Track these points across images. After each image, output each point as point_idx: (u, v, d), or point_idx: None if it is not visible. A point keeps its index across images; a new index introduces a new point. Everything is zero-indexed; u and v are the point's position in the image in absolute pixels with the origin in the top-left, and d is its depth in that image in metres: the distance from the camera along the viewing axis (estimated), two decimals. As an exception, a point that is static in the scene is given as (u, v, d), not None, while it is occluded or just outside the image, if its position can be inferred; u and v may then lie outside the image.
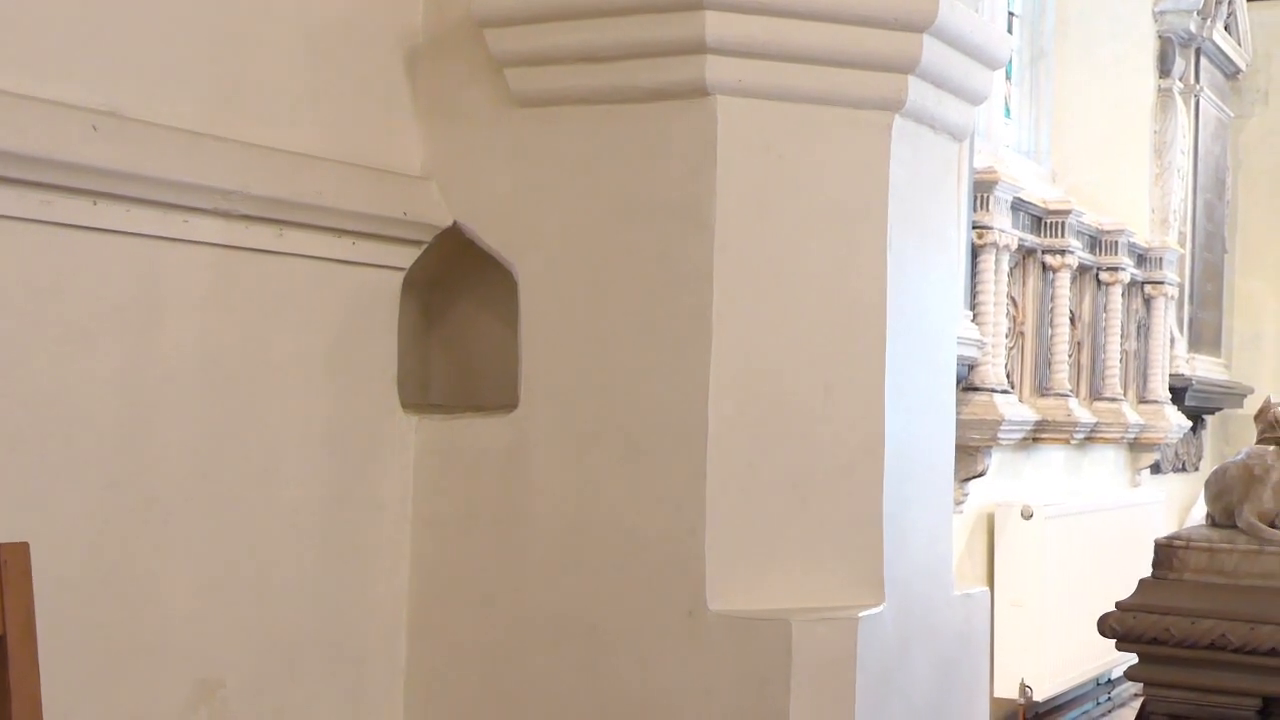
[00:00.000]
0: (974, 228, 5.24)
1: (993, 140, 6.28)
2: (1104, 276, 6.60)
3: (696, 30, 2.61)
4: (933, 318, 2.94)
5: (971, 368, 5.22)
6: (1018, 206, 5.66)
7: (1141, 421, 6.82)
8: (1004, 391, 5.37)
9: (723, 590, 2.64)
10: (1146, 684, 3.56)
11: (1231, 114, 8.43)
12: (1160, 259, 7.09)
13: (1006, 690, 5.60)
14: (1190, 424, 7.53)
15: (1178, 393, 7.42)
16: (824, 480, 2.71)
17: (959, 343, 3.88)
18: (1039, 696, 5.70)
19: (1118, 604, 3.57)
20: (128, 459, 2.40)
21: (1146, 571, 3.64)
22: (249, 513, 2.60)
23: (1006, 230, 5.45)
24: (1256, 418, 3.83)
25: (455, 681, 2.87)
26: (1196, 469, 8.13)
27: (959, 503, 5.21)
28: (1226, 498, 3.67)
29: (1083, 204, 6.46)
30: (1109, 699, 6.67)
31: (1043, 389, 6.08)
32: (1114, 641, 3.57)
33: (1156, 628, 3.47)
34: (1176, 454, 7.85)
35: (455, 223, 2.92)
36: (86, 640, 2.34)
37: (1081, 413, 6.17)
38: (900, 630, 2.76)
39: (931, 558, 2.94)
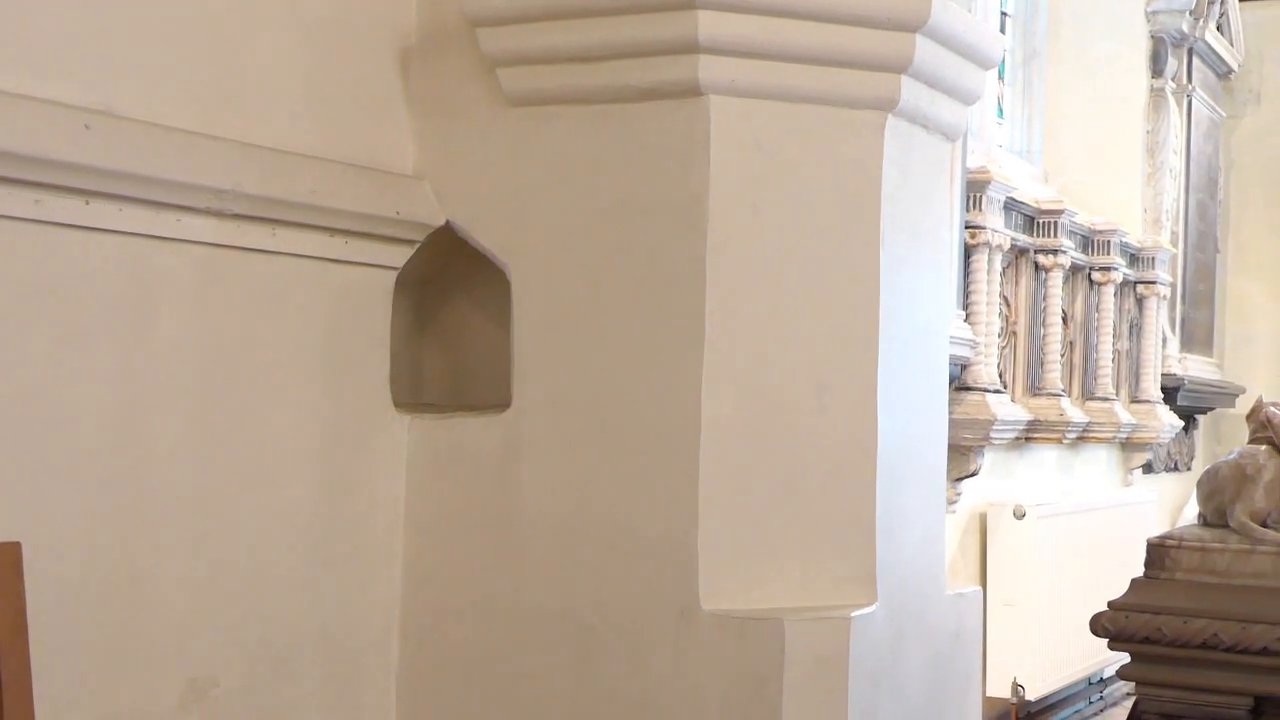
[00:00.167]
0: (967, 227, 5.25)
1: (985, 140, 6.29)
2: (1096, 276, 6.61)
3: (689, 30, 2.61)
4: (925, 317, 2.95)
5: (964, 367, 5.23)
6: (1010, 206, 5.67)
7: (1134, 421, 6.83)
8: (996, 391, 5.38)
9: (716, 590, 2.64)
10: (1139, 683, 3.57)
11: (1224, 114, 8.45)
12: (1152, 259, 7.10)
13: (999, 689, 5.60)
14: (1182, 424, 7.55)
15: (1170, 392, 7.43)
16: (817, 480, 2.71)
17: (951, 342, 3.88)
18: (1031, 695, 5.71)
19: (1110, 603, 3.58)
20: (120, 458, 2.40)
21: (1139, 571, 3.65)
22: (241, 512, 2.60)
23: (999, 230, 5.46)
24: (1248, 417, 3.83)
25: (448, 681, 2.87)
26: (1189, 469, 8.14)
27: (951, 502, 5.22)
28: (1218, 497, 3.68)
29: (1075, 204, 6.47)
30: (1101, 698, 6.68)
31: (1035, 389, 6.09)
32: (1106, 641, 3.58)
33: (1149, 627, 3.47)
34: (1169, 454, 7.86)
35: (448, 222, 2.91)
36: (79, 639, 2.34)
37: (1074, 412, 6.18)
38: (893, 629, 2.77)
39: (924, 557, 2.94)
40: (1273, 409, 3.76)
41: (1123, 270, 6.75)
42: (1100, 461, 6.99)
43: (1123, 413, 6.73)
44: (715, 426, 2.66)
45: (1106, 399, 6.62)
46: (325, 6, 2.78)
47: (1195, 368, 7.84)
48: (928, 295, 2.95)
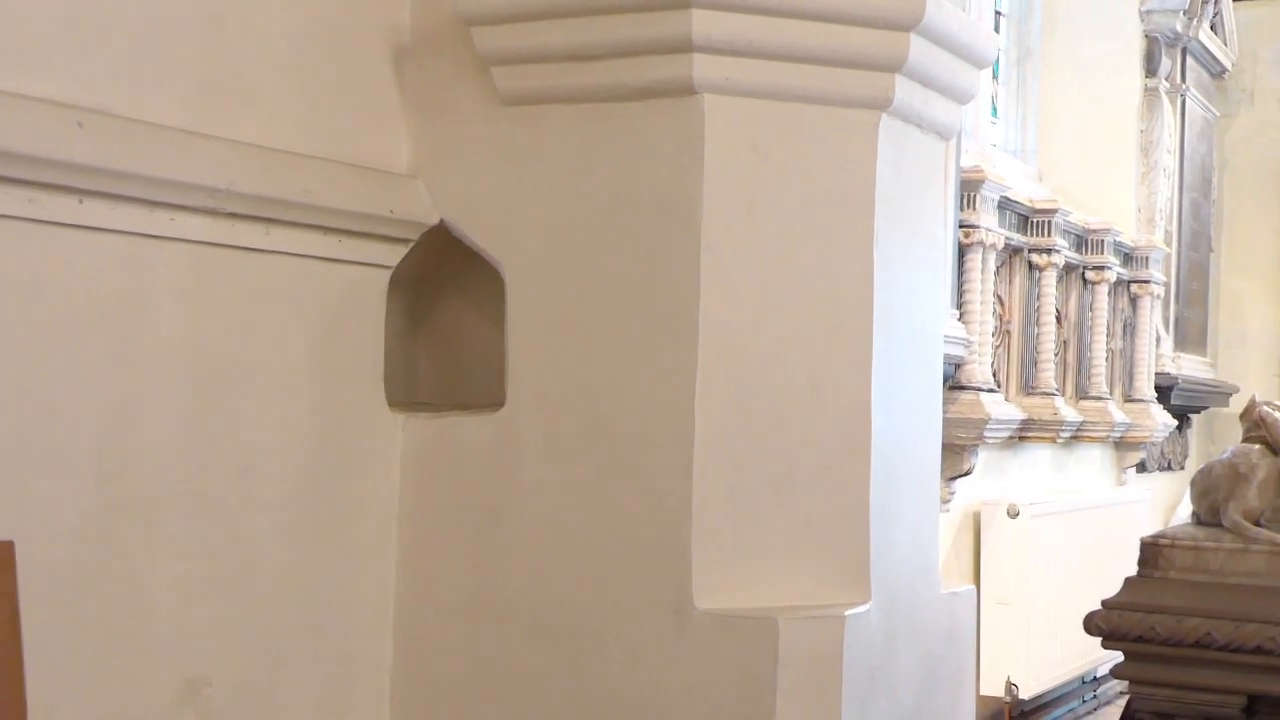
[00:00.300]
0: (960, 226, 5.25)
1: (979, 139, 6.30)
2: (1090, 275, 6.62)
3: (683, 29, 2.61)
4: (919, 316, 2.95)
5: (958, 366, 5.23)
6: (1004, 205, 5.67)
7: (1127, 420, 6.84)
8: (990, 390, 5.38)
9: (709, 588, 2.64)
10: (1132, 682, 3.57)
11: (1217, 113, 8.45)
12: (1146, 258, 7.10)
13: (993, 688, 5.61)
14: (1176, 423, 7.55)
15: (1163, 391, 7.44)
16: (810, 478, 2.71)
17: (945, 341, 3.89)
18: (1025, 694, 5.71)
19: (1104, 602, 3.58)
20: (113, 457, 2.39)
21: (1132, 570, 3.65)
22: (235, 511, 2.60)
23: (993, 229, 5.46)
24: (1242, 416, 3.83)
25: (441, 680, 2.87)
26: (1182, 468, 8.15)
27: (945, 501, 5.22)
28: (1212, 496, 3.68)
29: (1069, 203, 6.47)
30: (1095, 697, 6.68)
31: (1029, 388, 6.09)
32: (1100, 639, 3.57)
33: (1142, 626, 3.47)
34: (1162, 452, 7.86)
35: (442, 221, 2.91)
36: (72, 638, 2.34)
37: (1067, 411, 6.18)
38: (887, 628, 2.77)
39: (918, 556, 2.94)
40: (1266, 408, 3.76)
41: (1116, 269, 6.75)
42: (1094, 460, 6.99)
43: (1116, 412, 6.74)
44: (708, 424, 2.66)
45: (1100, 398, 6.62)
46: (320, 5, 2.78)
47: (1189, 367, 7.85)
48: (922, 294, 2.96)
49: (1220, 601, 3.43)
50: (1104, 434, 6.65)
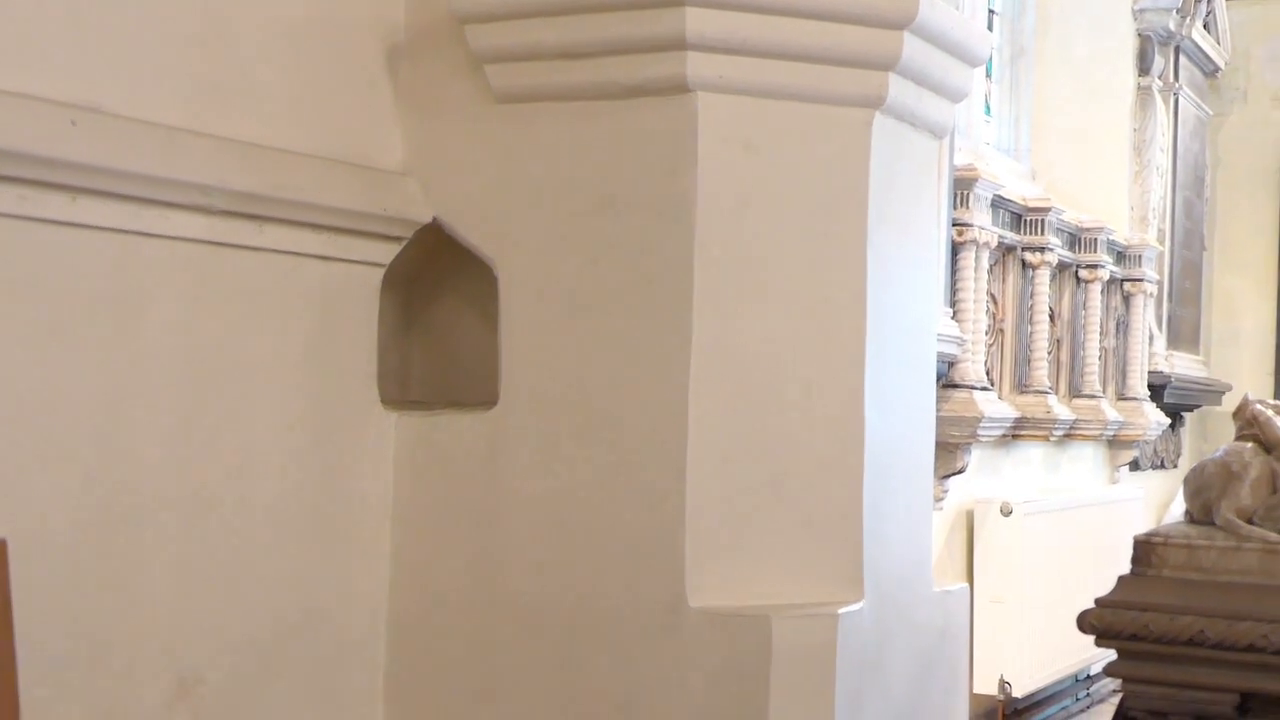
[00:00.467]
0: (954, 225, 5.26)
1: (973, 138, 6.30)
2: (1083, 274, 6.62)
3: (677, 26, 2.60)
4: (913, 314, 2.95)
5: (951, 365, 5.24)
6: (997, 204, 5.67)
7: (1120, 419, 6.84)
8: (983, 388, 5.39)
9: (702, 586, 2.64)
10: (1125, 680, 3.57)
11: (1210, 112, 8.46)
12: (1139, 256, 7.11)
13: (986, 686, 5.61)
14: (1169, 421, 7.56)
15: (1156, 390, 7.45)
16: (804, 477, 2.71)
17: (939, 340, 3.89)
18: (1018, 692, 5.72)
19: (1097, 600, 3.58)
20: (106, 455, 2.39)
21: (1125, 568, 3.65)
22: (228, 509, 2.59)
23: (986, 227, 5.47)
24: (1235, 415, 3.84)
25: (435, 678, 2.87)
26: (1175, 466, 8.16)
27: (938, 499, 5.22)
28: (1205, 494, 3.69)
29: (1062, 201, 6.48)
30: (1088, 695, 6.69)
31: (1022, 386, 6.09)
32: (1093, 638, 3.58)
33: (1135, 624, 3.48)
34: (1155, 451, 7.88)
35: (435, 218, 2.91)
36: (65, 637, 2.33)
37: (1061, 410, 6.19)
38: (880, 627, 2.77)
39: (911, 554, 2.94)
40: (1259, 406, 3.77)
41: (1109, 268, 6.76)
42: (1087, 459, 7.00)
43: (1109, 410, 6.74)
44: (702, 423, 2.66)
45: (1093, 396, 6.63)
46: (313, 3, 2.78)
47: (1182, 365, 7.86)
48: (915, 292, 2.96)
49: (1213, 600, 3.43)
50: (1097, 432, 6.66)
